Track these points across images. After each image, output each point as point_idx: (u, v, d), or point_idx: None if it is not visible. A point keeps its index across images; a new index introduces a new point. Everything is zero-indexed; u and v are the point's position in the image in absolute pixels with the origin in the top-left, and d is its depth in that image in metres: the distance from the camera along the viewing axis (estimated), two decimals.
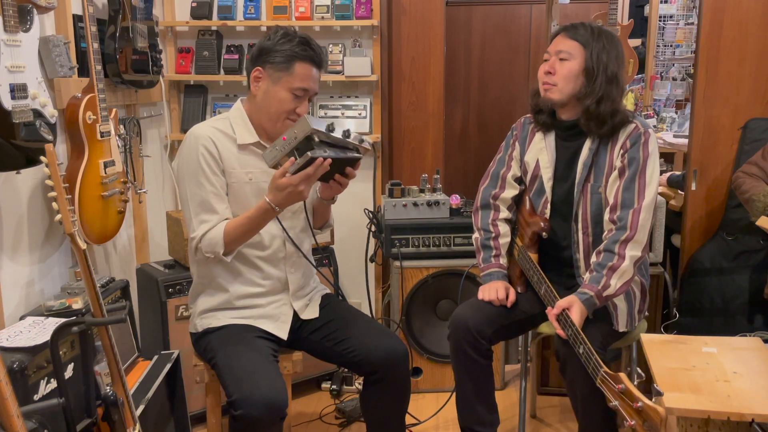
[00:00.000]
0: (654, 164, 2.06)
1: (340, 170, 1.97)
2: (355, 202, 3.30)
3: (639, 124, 2.09)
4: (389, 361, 2.06)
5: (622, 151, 2.08)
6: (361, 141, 2.01)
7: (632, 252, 2.01)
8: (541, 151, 2.22)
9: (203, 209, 2.00)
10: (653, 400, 1.50)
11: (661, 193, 2.91)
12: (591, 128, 2.09)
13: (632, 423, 1.53)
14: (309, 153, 1.80)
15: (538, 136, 2.24)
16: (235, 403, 1.79)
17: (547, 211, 2.22)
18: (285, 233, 2.11)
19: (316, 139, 1.82)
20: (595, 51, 2.06)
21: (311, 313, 2.17)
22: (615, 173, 2.08)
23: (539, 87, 2.17)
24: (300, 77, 1.99)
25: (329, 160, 1.84)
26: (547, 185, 2.20)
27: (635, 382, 1.64)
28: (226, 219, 2.01)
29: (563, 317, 1.94)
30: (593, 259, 2.08)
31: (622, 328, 2.12)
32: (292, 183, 1.85)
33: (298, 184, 1.85)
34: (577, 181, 2.14)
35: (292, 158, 1.83)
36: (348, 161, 1.96)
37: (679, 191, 3.03)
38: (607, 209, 2.09)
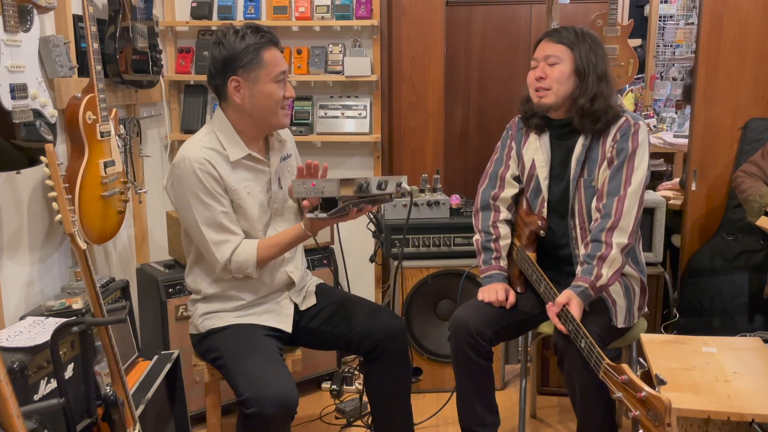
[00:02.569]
0: (642, 154, 2.07)
1: None
2: None
3: (629, 117, 2.12)
4: (387, 336, 2.10)
5: (612, 144, 2.10)
6: (399, 184, 1.97)
7: (618, 239, 2.02)
8: (536, 151, 2.24)
9: (219, 230, 1.98)
10: (656, 389, 1.49)
11: (664, 196, 2.91)
12: (585, 125, 2.11)
13: (636, 413, 1.53)
14: (326, 215, 1.88)
15: (533, 136, 2.26)
16: (247, 402, 1.80)
17: (545, 210, 2.23)
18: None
19: (341, 204, 1.87)
20: (583, 52, 2.10)
21: (309, 302, 2.20)
22: (605, 164, 2.10)
23: (530, 94, 2.18)
24: (272, 63, 1.97)
25: (368, 209, 1.96)
26: (544, 184, 2.22)
27: (637, 373, 1.64)
28: (243, 237, 2.02)
29: (563, 313, 1.94)
30: (582, 250, 2.10)
31: (620, 324, 2.12)
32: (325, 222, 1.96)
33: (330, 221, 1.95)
34: (571, 177, 2.16)
35: (313, 201, 1.92)
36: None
37: None
38: (594, 198, 2.11)
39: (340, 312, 2.17)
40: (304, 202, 1.95)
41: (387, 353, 2.11)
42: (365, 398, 2.63)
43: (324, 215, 1.88)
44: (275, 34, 2.02)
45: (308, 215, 1.93)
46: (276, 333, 2.09)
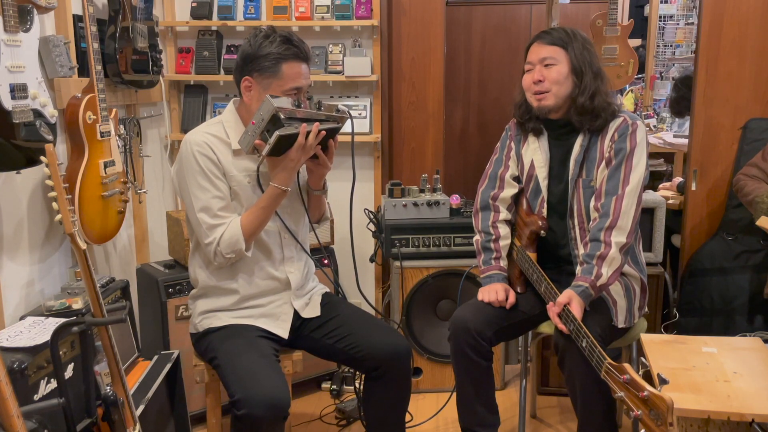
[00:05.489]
0: (641, 153, 2.08)
1: (321, 143, 2.00)
2: (355, 202, 3.30)
3: (627, 117, 2.13)
4: (392, 357, 2.07)
5: (611, 143, 2.10)
6: (337, 110, 2.01)
7: (617, 239, 2.02)
8: (535, 152, 2.24)
9: (210, 215, 1.99)
10: (659, 388, 1.49)
11: (664, 196, 2.91)
12: (584, 123, 2.12)
13: (638, 413, 1.52)
14: (277, 132, 1.86)
15: (532, 136, 2.26)
16: (238, 403, 1.79)
17: (545, 211, 2.23)
18: (288, 232, 2.13)
19: (282, 117, 1.87)
20: (577, 50, 2.10)
21: (312, 311, 2.17)
22: (603, 164, 2.11)
23: (528, 98, 2.17)
24: (289, 78, 1.98)
25: (317, 126, 1.92)
26: (543, 184, 2.22)
27: (639, 373, 1.64)
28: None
29: (564, 312, 1.94)
30: (581, 250, 2.10)
31: (621, 324, 2.12)
32: (286, 157, 1.95)
33: (292, 158, 1.95)
34: (570, 177, 2.16)
35: (261, 141, 1.90)
36: (329, 132, 1.99)
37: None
38: (593, 197, 2.11)
39: (345, 326, 2.13)
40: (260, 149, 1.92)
41: (389, 374, 2.08)
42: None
43: (273, 138, 1.85)
44: (306, 49, 2.01)
45: (264, 155, 1.91)
46: (273, 335, 2.08)
